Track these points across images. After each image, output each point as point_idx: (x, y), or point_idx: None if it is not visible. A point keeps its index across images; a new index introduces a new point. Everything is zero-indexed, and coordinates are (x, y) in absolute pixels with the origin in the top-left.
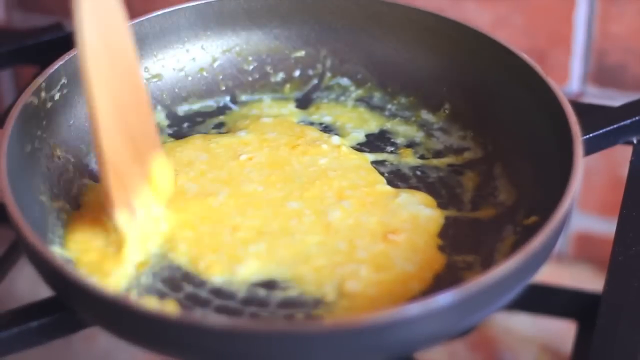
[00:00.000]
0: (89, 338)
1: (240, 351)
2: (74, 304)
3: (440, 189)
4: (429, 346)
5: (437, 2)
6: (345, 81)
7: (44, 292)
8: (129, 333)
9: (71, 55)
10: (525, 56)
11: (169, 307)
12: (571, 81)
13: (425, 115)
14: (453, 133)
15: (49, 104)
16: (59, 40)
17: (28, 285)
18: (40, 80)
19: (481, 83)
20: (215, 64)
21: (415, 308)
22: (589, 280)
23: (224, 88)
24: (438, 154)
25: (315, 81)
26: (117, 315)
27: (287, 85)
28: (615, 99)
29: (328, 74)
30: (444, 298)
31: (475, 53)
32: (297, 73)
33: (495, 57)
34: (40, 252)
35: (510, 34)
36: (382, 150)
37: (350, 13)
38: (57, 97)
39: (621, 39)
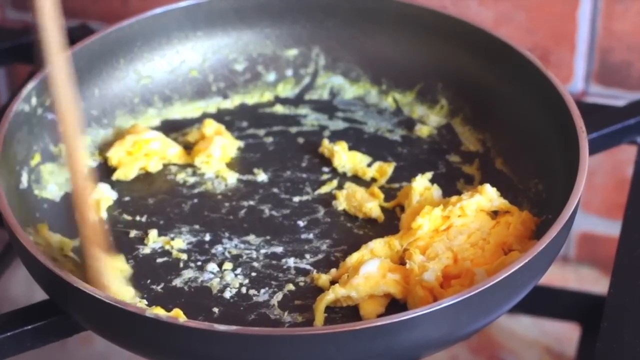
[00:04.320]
0: (85, 341)
1: (237, 355)
2: (68, 308)
3: (440, 183)
4: (438, 350)
5: (438, 0)
6: (338, 79)
7: (38, 295)
8: (122, 337)
9: None
10: (522, 50)
11: (163, 311)
12: (575, 80)
13: (421, 111)
14: (450, 129)
15: (40, 110)
16: None
17: (23, 289)
18: (30, 86)
19: (477, 78)
20: (206, 65)
21: (423, 310)
22: (593, 282)
23: (215, 89)
24: (436, 151)
25: (308, 80)
26: (110, 319)
27: (280, 85)
28: (619, 98)
29: (321, 73)
30: (453, 298)
31: (470, 48)
32: (289, 72)
33: (491, 52)
34: (34, 256)
35: (513, 32)
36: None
37: (342, 10)
38: (48, 102)
39: (625, 36)
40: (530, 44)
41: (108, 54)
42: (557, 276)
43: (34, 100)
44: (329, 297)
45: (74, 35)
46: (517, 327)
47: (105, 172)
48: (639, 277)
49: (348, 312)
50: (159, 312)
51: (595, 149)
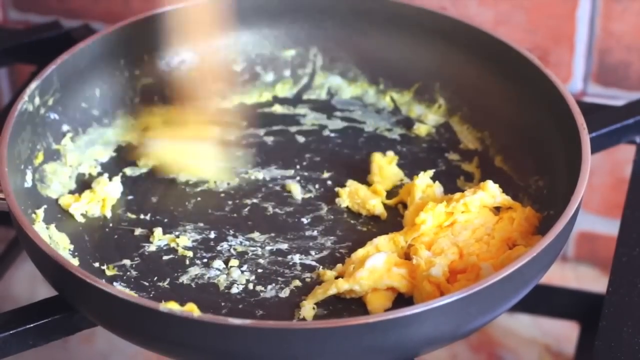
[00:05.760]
0: (86, 340)
1: (249, 349)
2: (78, 303)
3: (441, 181)
4: (447, 344)
5: (438, 0)
6: (336, 79)
7: (41, 293)
8: (134, 332)
9: (64, 59)
10: (519, 47)
11: (177, 306)
12: (574, 80)
13: (419, 110)
14: (448, 128)
15: (42, 110)
16: (56, 38)
17: (25, 287)
18: (33, 86)
19: (475, 77)
20: (205, 66)
21: (434, 303)
22: (592, 281)
23: (214, 90)
24: (435, 149)
25: (306, 80)
26: (122, 314)
27: (278, 85)
28: (618, 98)
29: (319, 73)
30: (462, 292)
31: (467, 47)
32: (287, 73)
33: (488, 50)
34: (46, 253)
35: (513, 32)
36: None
37: (339, 10)
38: (50, 102)
39: (624, 37)
40: (529, 44)
41: (109, 55)
42: (556, 275)
43: (37, 100)
44: (331, 291)
45: (76, 36)
46: (516, 325)
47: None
48: (637, 276)
49: (355, 306)
50: (172, 306)
51: (594, 148)
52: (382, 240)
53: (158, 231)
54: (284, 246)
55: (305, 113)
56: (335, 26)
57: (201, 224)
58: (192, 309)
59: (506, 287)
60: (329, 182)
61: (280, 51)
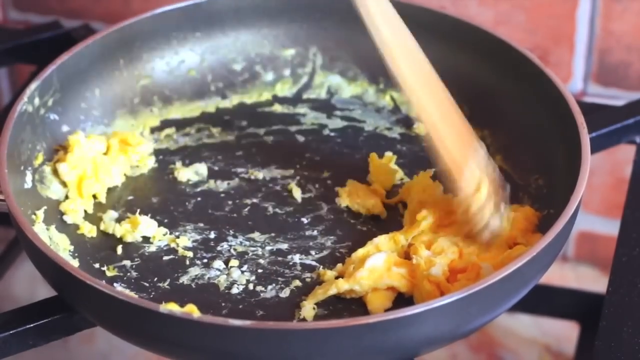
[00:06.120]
0: (86, 340)
1: (250, 350)
2: (78, 305)
3: (440, 180)
4: (447, 343)
5: (438, 0)
6: (336, 78)
7: (41, 293)
8: (134, 333)
9: (64, 60)
10: (519, 47)
11: (177, 307)
12: (574, 80)
13: None
14: None
15: (42, 110)
16: (56, 39)
17: (25, 286)
18: (33, 86)
19: (475, 76)
20: (205, 65)
21: (434, 303)
22: (592, 281)
23: (213, 89)
24: None
25: (305, 79)
26: (122, 315)
27: (278, 85)
28: (618, 98)
29: (319, 72)
30: (455, 295)
31: (467, 46)
32: (287, 72)
33: (488, 49)
34: (46, 254)
35: (513, 32)
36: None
37: (339, 10)
38: (50, 102)
39: (624, 36)
40: (529, 44)
41: (108, 55)
42: (556, 275)
43: (36, 101)
44: (331, 291)
45: (76, 36)
46: (516, 325)
47: None
48: (637, 276)
49: (355, 306)
50: (172, 307)
51: (594, 148)
52: (382, 240)
53: (158, 231)
54: (284, 246)
55: (305, 112)
56: (335, 25)
57: (201, 224)
58: (192, 310)
59: (506, 287)
60: (329, 182)
61: (280, 51)
